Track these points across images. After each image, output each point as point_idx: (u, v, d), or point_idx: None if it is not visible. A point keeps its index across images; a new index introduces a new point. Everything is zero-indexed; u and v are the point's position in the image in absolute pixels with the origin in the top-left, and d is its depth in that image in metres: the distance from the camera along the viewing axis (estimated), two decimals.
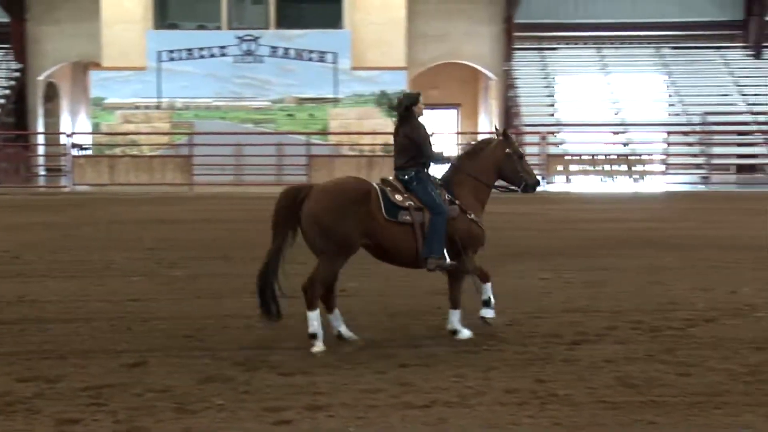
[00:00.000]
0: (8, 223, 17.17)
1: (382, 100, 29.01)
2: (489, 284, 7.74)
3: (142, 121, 30.05)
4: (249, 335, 7.73)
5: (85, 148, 31.74)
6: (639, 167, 29.56)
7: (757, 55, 34.37)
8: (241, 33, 30.13)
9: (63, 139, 30.35)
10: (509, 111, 32.43)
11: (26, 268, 11.54)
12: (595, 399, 5.92)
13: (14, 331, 7.91)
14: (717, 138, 31.11)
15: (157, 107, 30.11)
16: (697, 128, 31.37)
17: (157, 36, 30.28)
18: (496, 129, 8.35)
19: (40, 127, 33.98)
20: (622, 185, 28.39)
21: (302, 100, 30.17)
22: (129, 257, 12.43)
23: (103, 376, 6.43)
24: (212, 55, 30.14)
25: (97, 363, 6.77)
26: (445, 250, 7.48)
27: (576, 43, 35.57)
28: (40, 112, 34.21)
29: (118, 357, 6.95)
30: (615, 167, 29.33)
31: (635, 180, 29.10)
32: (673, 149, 30.75)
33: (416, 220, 7.43)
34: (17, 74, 33.63)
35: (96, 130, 30.86)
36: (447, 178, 7.81)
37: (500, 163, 7.97)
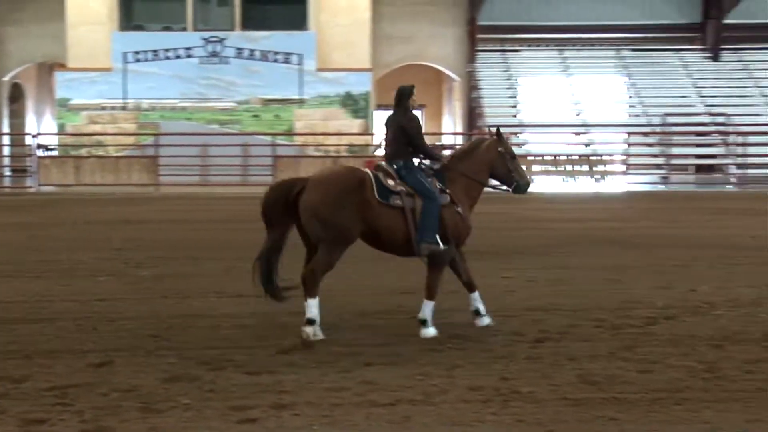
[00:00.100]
0: None
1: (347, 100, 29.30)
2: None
3: (108, 121, 30.02)
4: (215, 335, 7.76)
5: (51, 149, 31.72)
6: (600, 167, 29.91)
7: (715, 58, 34.82)
8: (206, 34, 30.15)
9: (28, 140, 30.42)
10: (473, 112, 32.69)
11: None
12: (558, 396, 5.98)
13: None
14: (676, 139, 31.53)
15: (123, 108, 30.11)
16: (657, 129, 31.74)
17: (122, 37, 30.28)
18: (489, 129, 8.48)
19: (6, 128, 33.88)
20: (584, 185, 28.73)
21: (268, 101, 30.26)
22: (95, 257, 12.45)
23: (69, 375, 6.41)
24: (178, 57, 30.14)
25: (63, 363, 6.76)
26: (438, 236, 7.61)
27: (538, 45, 35.90)
28: (5, 113, 34.11)
29: (84, 357, 6.93)
30: (577, 167, 29.67)
31: (596, 180, 29.44)
32: (634, 150, 31.17)
33: (407, 205, 7.57)
34: None
35: (62, 131, 30.80)
36: (439, 174, 7.92)
37: (493, 162, 8.10)
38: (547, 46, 35.85)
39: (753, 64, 34.52)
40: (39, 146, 29.58)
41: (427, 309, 7.72)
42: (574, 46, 35.71)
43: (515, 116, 32.15)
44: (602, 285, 10.23)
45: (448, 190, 7.79)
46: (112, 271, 11.26)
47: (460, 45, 33.68)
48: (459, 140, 31.25)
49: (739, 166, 30.73)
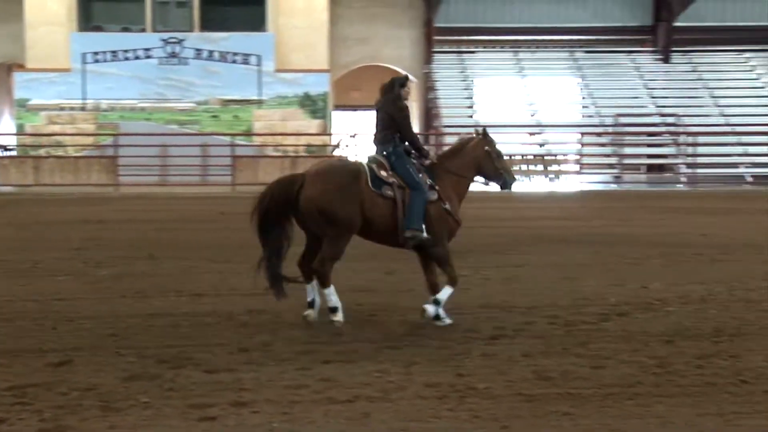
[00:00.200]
0: None
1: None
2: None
3: (67, 122, 29.90)
4: (174, 333, 7.73)
5: (10, 149, 31.46)
6: (554, 167, 30.26)
7: (666, 59, 35.18)
8: (165, 35, 30.10)
9: None
10: (429, 112, 32.87)
11: None
12: (513, 392, 6.02)
13: None
14: (628, 139, 31.84)
15: (82, 108, 30.01)
16: (610, 129, 32.04)
17: (81, 38, 30.16)
18: (476, 129, 8.60)
19: None
20: (538, 184, 28.95)
21: (227, 102, 30.31)
22: (55, 257, 12.37)
23: (28, 375, 6.38)
24: (137, 57, 30.09)
25: (21, 362, 6.72)
26: (423, 225, 7.83)
27: (494, 47, 36.07)
28: None
29: (44, 356, 6.89)
30: (531, 167, 30.09)
31: (550, 179, 29.75)
32: (587, 150, 31.38)
33: (398, 197, 7.79)
34: None
35: (21, 131, 30.62)
36: (429, 170, 8.10)
37: (480, 160, 8.31)
38: (502, 47, 36.02)
39: (702, 66, 34.95)
40: None
41: (446, 294, 7.97)
42: (528, 47, 35.91)
43: (471, 117, 32.23)
44: (556, 283, 10.31)
45: (437, 187, 7.99)
46: (72, 270, 11.21)
47: (416, 46, 33.88)
48: None
49: (689, 165, 31.04)
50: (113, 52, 30.09)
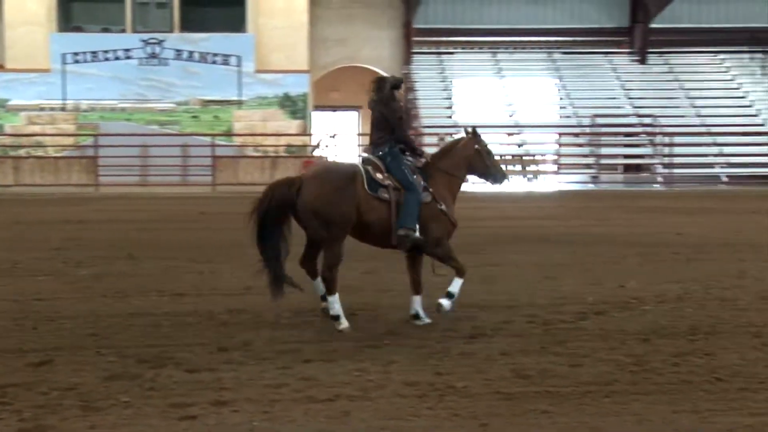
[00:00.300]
0: None
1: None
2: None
3: (47, 122, 29.83)
4: (155, 333, 7.72)
5: None
6: (532, 167, 30.55)
7: (642, 60, 35.45)
8: (145, 36, 30.09)
9: None
10: (408, 113, 33.11)
11: None
12: (492, 390, 6.04)
13: None
14: (605, 139, 32.02)
15: (62, 109, 29.96)
16: (587, 130, 32.15)
17: (61, 38, 30.11)
18: (465, 128, 8.70)
19: None
20: (517, 184, 28.90)
21: (207, 102, 30.32)
22: (35, 257, 12.34)
23: (8, 375, 6.34)
24: (117, 58, 30.06)
25: (1, 362, 6.69)
26: (417, 225, 7.87)
27: (472, 48, 36.11)
28: None
29: (24, 356, 6.86)
30: (509, 167, 30.27)
31: (529, 179, 29.95)
32: (565, 150, 31.60)
33: (393, 198, 7.82)
34: None
35: (0, 132, 30.44)
36: (422, 170, 8.15)
37: (470, 158, 8.39)
38: (480, 48, 36.08)
39: (678, 67, 35.26)
40: None
41: (457, 286, 8.07)
42: (506, 48, 36.04)
43: (450, 117, 32.38)
44: (534, 282, 10.33)
45: (431, 189, 8.06)
46: (52, 270, 11.19)
47: (395, 47, 34.00)
48: None
49: (666, 165, 31.25)
50: (93, 52, 30.03)
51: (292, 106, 30.48)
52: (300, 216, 7.77)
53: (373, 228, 7.90)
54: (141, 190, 26.70)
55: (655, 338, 7.54)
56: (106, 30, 31.04)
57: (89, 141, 29.34)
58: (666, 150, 31.30)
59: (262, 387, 6.10)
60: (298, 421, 5.47)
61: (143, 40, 30.14)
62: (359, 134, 35.00)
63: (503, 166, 9.22)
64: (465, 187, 8.80)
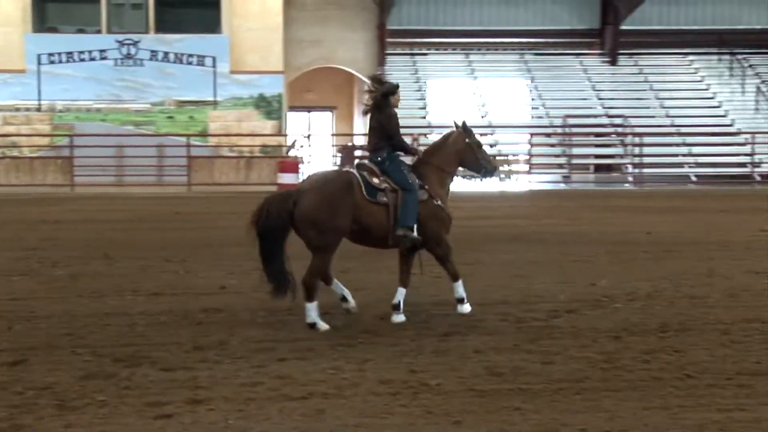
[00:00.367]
0: None
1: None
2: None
3: (22, 123, 29.64)
4: (130, 332, 7.76)
5: None
6: (505, 167, 30.74)
7: (613, 62, 35.72)
8: (120, 37, 29.99)
9: None
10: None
11: None
12: (465, 388, 6.10)
13: None
14: (576, 139, 32.19)
15: (38, 109, 29.79)
16: (559, 130, 32.35)
17: (36, 39, 29.93)
18: (455, 122, 8.73)
19: None
20: (489, 184, 29.31)
21: (182, 103, 30.23)
22: (10, 257, 12.35)
23: None
24: (92, 59, 29.91)
25: None
26: (415, 225, 8.01)
27: (446, 49, 36.32)
28: None
29: None
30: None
31: (501, 179, 30.18)
32: (537, 150, 31.58)
33: (390, 201, 7.94)
34: None
35: None
36: (415, 168, 8.31)
37: (461, 152, 8.48)
38: (453, 49, 36.28)
39: (648, 68, 35.54)
40: None
41: (460, 288, 8.40)
42: (479, 50, 36.22)
43: (424, 117, 32.48)
44: (507, 280, 10.43)
45: (426, 186, 8.18)
46: (27, 270, 11.21)
47: (369, 48, 34.00)
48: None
49: (636, 165, 31.38)
50: (68, 53, 29.87)
51: (267, 106, 30.53)
52: (298, 226, 7.82)
53: (372, 231, 8.01)
54: (117, 190, 26.64)
55: (625, 336, 7.65)
56: (81, 31, 30.87)
57: (65, 141, 29.18)
58: (636, 150, 31.40)
59: (237, 385, 6.14)
60: (273, 419, 5.50)
61: (118, 41, 30.01)
62: (333, 134, 35.24)
63: (493, 159, 9.38)
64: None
